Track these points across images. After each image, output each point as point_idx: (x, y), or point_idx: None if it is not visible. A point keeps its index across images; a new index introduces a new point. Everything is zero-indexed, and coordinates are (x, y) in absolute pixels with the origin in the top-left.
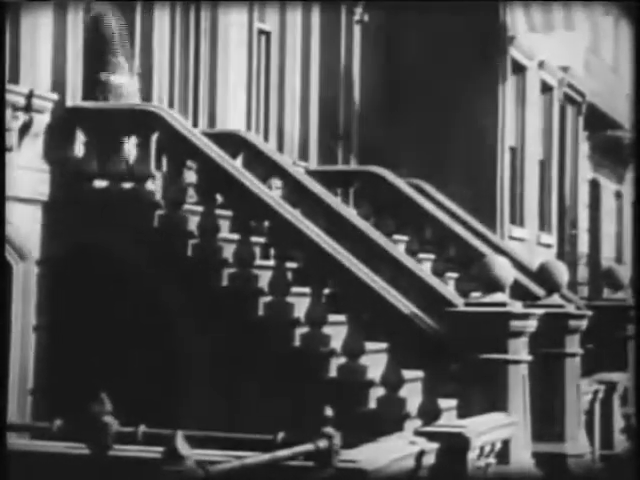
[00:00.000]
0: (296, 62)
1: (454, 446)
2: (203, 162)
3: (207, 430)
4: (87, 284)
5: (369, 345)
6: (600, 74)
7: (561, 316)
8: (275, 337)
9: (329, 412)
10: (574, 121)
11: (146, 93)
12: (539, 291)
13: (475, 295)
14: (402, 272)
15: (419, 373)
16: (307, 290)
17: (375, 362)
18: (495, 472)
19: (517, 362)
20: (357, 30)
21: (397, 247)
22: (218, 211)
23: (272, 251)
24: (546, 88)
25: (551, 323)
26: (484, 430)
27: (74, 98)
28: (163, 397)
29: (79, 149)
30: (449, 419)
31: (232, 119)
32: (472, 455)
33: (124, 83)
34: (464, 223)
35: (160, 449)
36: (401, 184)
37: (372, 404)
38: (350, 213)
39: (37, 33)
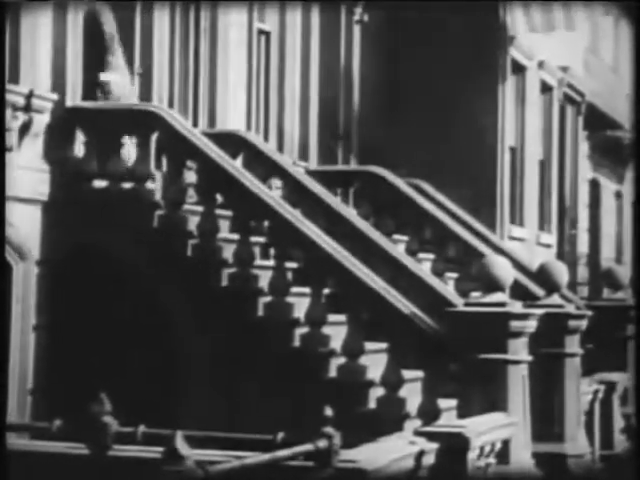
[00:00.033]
0: (296, 62)
1: (454, 446)
2: (203, 162)
3: (207, 430)
4: (87, 284)
5: (369, 345)
6: (600, 74)
7: (561, 316)
8: (275, 337)
9: (329, 412)
10: (574, 121)
11: (146, 93)
12: (539, 291)
13: (475, 295)
14: (402, 272)
15: (419, 373)
16: (307, 290)
17: (375, 362)
18: (495, 472)
19: (517, 362)
20: (357, 30)
21: (397, 247)
22: (218, 211)
23: (272, 251)
24: (546, 88)
25: (551, 323)
26: (484, 430)
27: (74, 98)
28: (163, 397)
29: (79, 149)
30: (449, 419)
31: (232, 119)
32: (472, 455)
33: (119, 81)
34: (464, 223)
35: (160, 449)
36: (401, 184)
37: (372, 404)
38: (350, 213)
39: (37, 33)
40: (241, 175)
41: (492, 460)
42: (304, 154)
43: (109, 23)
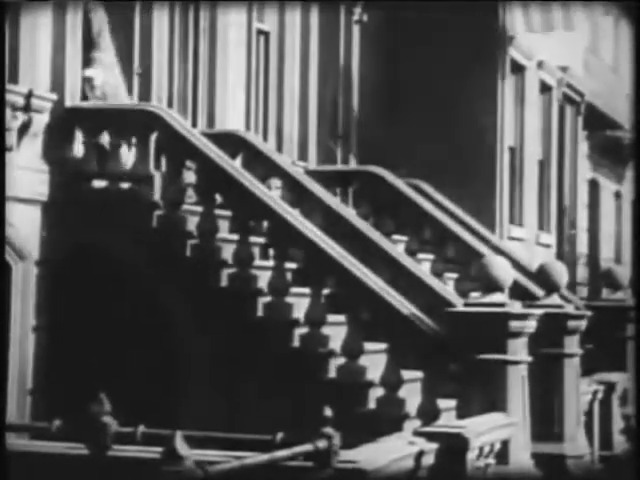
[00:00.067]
0: (295, 62)
1: (453, 446)
2: (202, 162)
3: (206, 430)
4: (86, 284)
5: (368, 345)
6: (600, 74)
7: (560, 316)
8: (274, 337)
9: (328, 412)
10: (573, 121)
11: (145, 93)
12: (538, 291)
13: (474, 295)
14: (401, 272)
15: (418, 373)
16: (306, 290)
17: (374, 362)
18: (494, 473)
19: (516, 362)
20: (356, 30)
21: (396, 247)
22: (217, 211)
23: (271, 251)
24: (545, 88)
25: (550, 323)
26: (483, 430)
27: (73, 98)
28: (162, 397)
29: (78, 149)
30: (448, 419)
31: (231, 119)
32: (471, 455)
33: (106, 78)
34: (463, 223)
35: (159, 449)
36: (400, 184)
37: (371, 404)
38: (349, 213)
39: (36, 33)
40: (240, 175)
41: (491, 460)
42: (303, 154)
43: (97, 19)
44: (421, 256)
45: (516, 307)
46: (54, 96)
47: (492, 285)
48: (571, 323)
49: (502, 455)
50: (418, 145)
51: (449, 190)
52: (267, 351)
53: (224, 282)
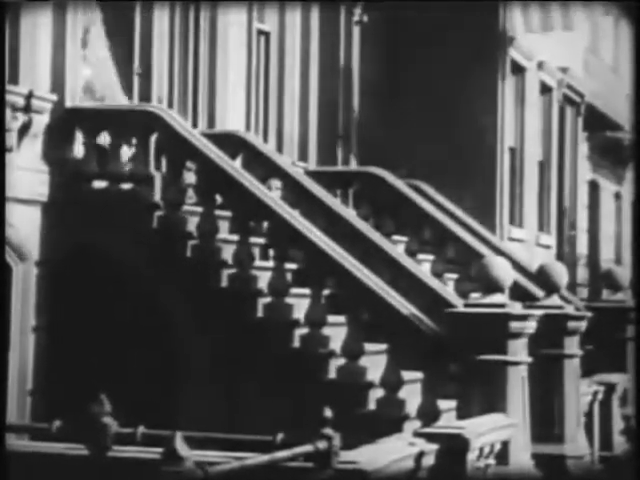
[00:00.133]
0: (295, 62)
1: (453, 447)
2: (202, 163)
3: (206, 431)
4: (86, 285)
5: (368, 346)
6: (600, 74)
7: (560, 317)
8: (274, 338)
9: (328, 413)
10: (573, 122)
11: (145, 93)
12: (538, 292)
13: (474, 296)
14: (401, 273)
15: (418, 374)
16: (306, 291)
17: (374, 363)
18: (494, 473)
19: (516, 363)
20: (356, 30)
21: (396, 248)
22: (217, 212)
23: (271, 252)
24: (545, 89)
25: (550, 324)
26: (483, 431)
27: (73, 99)
28: (162, 398)
29: (78, 150)
30: (448, 420)
31: (231, 119)
32: (471, 456)
33: (96, 76)
34: (463, 224)
35: (159, 450)
36: (400, 185)
37: (371, 405)
38: (349, 214)
39: (36, 33)
40: (240, 176)
41: (491, 461)
42: (303, 155)
43: (87, 16)
44: (421, 257)
45: (516, 308)
46: (54, 97)
47: (492, 286)
48: (571, 324)
49: (502, 456)
50: (418, 145)
51: (449, 191)
52: (267, 352)
53: (224, 283)
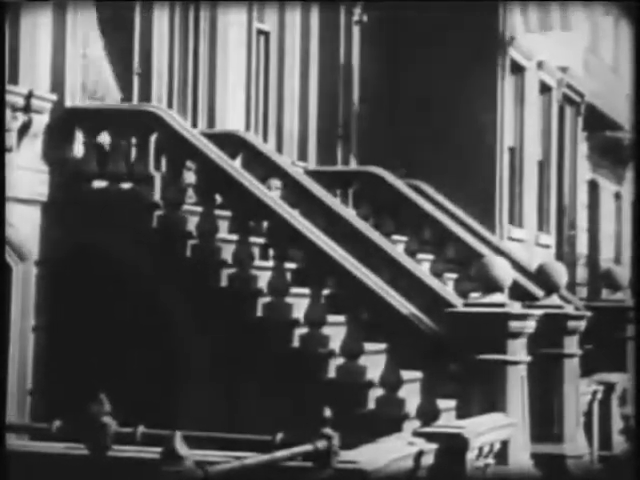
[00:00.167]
0: (295, 62)
1: (453, 447)
2: (202, 162)
3: (206, 430)
4: (86, 285)
5: (368, 346)
6: (599, 74)
7: (560, 317)
8: (274, 338)
9: (328, 413)
10: (573, 121)
11: (145, 93)
12: (538, 292)
13: (474, 296)
14: (401, 273)
15: (418, 374)
16: (306, 291)
17: (374, 363)
18: (494, 473)
19: (516, 363)
20: (356, 30)
21: (396, 248)
22: (217, 212)
23: (271, 252)
24: (545, 88)
25: (550, 324)
26: (483, 431)
27: (73, 98)
28: (162, 397)
29: (78, 149)
30: (448, 420)
31: (231, 119)
32: (471, 456)
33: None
34: (463, 224)
35: (159, 450)
36: (400, 185)
37: (371, 405)
38: (349, 214)
39: (36, 33)
40: (240, 175)
41: (491, 461)
42: (303, 154)
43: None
44: (421, 256)
45: (516, 307)
46: (54, 96)
47: (492, 285)
48: (571, 323)
49: (501, 455)
50: (418, 145)
51: (449, 190)
52: (267, 351)
53: (224, 282)
